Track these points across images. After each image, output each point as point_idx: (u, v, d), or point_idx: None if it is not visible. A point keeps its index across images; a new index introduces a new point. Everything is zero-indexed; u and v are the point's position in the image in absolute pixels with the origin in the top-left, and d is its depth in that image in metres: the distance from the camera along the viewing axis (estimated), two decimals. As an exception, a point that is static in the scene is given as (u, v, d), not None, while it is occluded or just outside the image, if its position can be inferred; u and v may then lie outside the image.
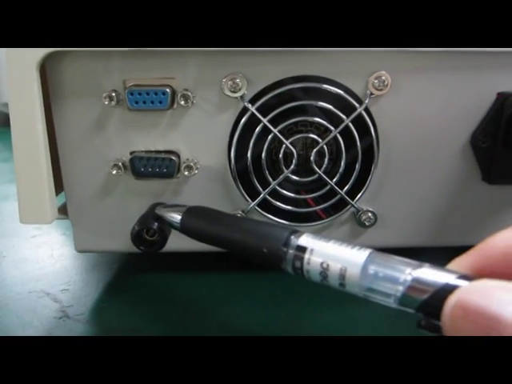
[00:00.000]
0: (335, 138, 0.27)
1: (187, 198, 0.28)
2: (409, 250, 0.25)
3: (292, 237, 0.20)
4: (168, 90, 0.26)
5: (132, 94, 0.26)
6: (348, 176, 0.28)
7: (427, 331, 0.17)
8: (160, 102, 0.26)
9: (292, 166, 0.28)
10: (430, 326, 0.16)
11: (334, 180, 0.28)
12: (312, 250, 0.19)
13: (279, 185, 0.28)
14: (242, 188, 0.28)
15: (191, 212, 0.24)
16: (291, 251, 0.19)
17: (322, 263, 0.18)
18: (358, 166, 0.28)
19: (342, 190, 0.28)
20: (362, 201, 0.29)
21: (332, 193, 0.28)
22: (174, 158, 0.27)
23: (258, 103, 0.26)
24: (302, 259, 0.19)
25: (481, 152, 0.28)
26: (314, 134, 0.28)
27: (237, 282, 0.31)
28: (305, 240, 0.19)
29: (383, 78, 0.26)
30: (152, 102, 0.26)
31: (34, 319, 0.27)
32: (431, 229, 0.30)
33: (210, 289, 0.30)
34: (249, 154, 0.27)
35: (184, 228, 0.24)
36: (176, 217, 0.24)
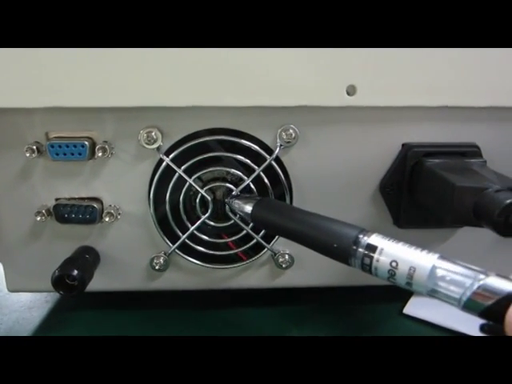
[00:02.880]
0: (249, 185, 0.29)
1: (112, 241, 0.30)
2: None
3: (361, 235, 0.21)
4: (86, 142, 0.27)
5: (53, 147, 0.27)
6: (264, 221, 0.30)
7: (490, 334, 0.18)
8: (79, 154, 0.28)
9: (208, 213, 0.29)
10: (493, 330, 0.18)
11: (251, 224, 0.29)
12: (382, 249, 0.20)
13: (200, 229, 0.30)
14: (162, 233, 0.30)
15: (262, 204, 0.26)
16: (361, 249, 0.21)
17: (391, 262, 0.20)
18: (271, 212, 0.29)
19: (258, 234, 0.30)
20: (278, 243, 0.30)
21: (250, 236, 0.30)
22: (95, 205, 0.29)
23: (173, 154, 0.28)
24: (371, 257, 0.20)
25: (389, 199, 0.30)
26: (231, 181, 0.30)
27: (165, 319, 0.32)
28: (375, 239, 0.21)
29: (290, 131, 0.28)
30: (72, 154, 0.28)
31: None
32: (347, 269, 0.31)
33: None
34: (167, 202, 0.29)
35: (255, 219, 0.26)
36: (247, 208, 0.26)
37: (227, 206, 0.29)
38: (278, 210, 0.25)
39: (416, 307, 0.32)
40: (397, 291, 0.32)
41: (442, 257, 0.19)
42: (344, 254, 0.21)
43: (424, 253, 0.19)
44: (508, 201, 0.22)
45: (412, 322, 0.32)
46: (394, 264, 0.20)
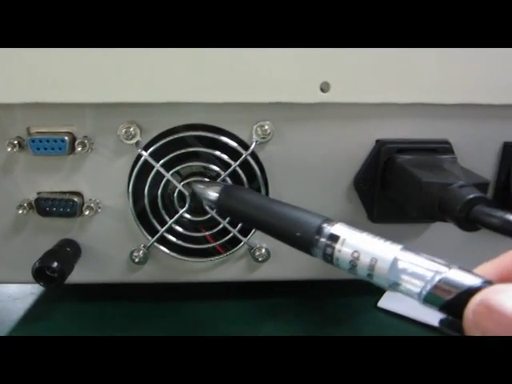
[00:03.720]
0: (225, 180, 0.29)
1: (92, 234, 0.31)
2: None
3: (325, 225, 0.21)
4: (66, 137, 0.28)
5: (34, 142, 0.28)
6: (241, 215, 0.30)
7: (448, 330, 0.17)
8: (60, 149, 0.28)
9: (186, 207, 0.30)
10: (452, 326, 0.17)
11: (228, 218, 0.30)
12: (344, 240, 0.20)
13: (179, 222, 0.31)
14: (141, 226, 0.30)
15: (228, 191, 0.26)
16: (323, 239, 0.20)
17: (353, 253, 0.19)
18: (248, 206, 0.30)
19: (235, 227, 0.30)
20: (255, 237, 0.31)
21: (228, 230, 0.31)
22: (76, 199, 0.29)
23: (152, 149, 0.29)
24: (333, 247, 0.20)
25: (363, 194, 0.30)
26: (210, 175, 0.30)
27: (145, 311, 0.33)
28: (338, 229, 0.20)
29: (266, 127, 0.29)
30: (52, 149, 0.28)
31: None
32: (321, 263, 0.32)
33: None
34: (146, 196, 0.30)
35: (220, 207, 0.25)
36: (212, 194, 0.26)
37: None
38: (244, 198, 0.25)
39: (390, 301, 0.33)
40: (373, 285, 0.33)
41: (406, 248, 0.18)
42: (306, 244, 0.21)
43: (387, 244, 0.19)
44: (469, 196, 0.23)
45: (386, 315, 0.32)
46: (355, 255, 0.19)
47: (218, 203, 0.26)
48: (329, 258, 0.20)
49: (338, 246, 0.20)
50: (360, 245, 0.19)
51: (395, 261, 0.18)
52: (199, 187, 0.27)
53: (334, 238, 0.20)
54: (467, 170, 0.27)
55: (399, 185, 0.28)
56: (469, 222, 0.23)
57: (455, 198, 0.23)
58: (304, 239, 0.21)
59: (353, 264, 0.19)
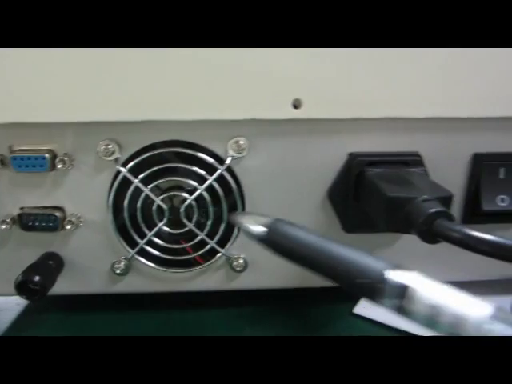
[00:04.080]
0: (202, 194, 0.30)
1: (75, 247, 0.32)
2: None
3: (392, 272, 0.18)
4: (47, 155, 0.29)
5: (15, 159, 0.29)
6: (219, 227, 0.31)
7: None
8: (41, 166, 0.29)
9: (164, 220, 0.31)
10: None
11: (206, 231, 0.31)
12: (417, 292, 0.17)
13: (160, 235, 0.31)
14: (121, 239, 0.31)
15: (278, 227, 0.23)
16: (391, 287, 0.18)
17: (431, 308, 0.17)
18: (225, 218, 0.31)
19: (213, 239, 0.31)
20: (233, 248, 0.32)
21: (206, 241, 0.32)
22: (57, 213, 0.30)
23: (130, 165, 0.30)
24: (403, 298, 0.18)
25: (337, 205, 0.31)
26: (189, 189, 0.31)
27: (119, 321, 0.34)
28: (410, 278, 0.18)
29: (241, 142, 0.30)
30: (34, 166, 0.29)
31: None
32: (298, 271, 0.33)
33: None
34: (125, 210, 0.31)
35: (269, 243, 0.23)
36: (259, 229, 0.23)
37: (182, 213, 0.31)
38: (295, 236, 0.22)
39: (366, 307, 0.34)
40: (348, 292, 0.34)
41: (497, 309, 0.16)
42: (369, 292, 0.19)
43: (470, 299, 0.17)
44: (431, 210, 0.24)
45: (362, 321, 0.33)
46: (434, 312, 0.17)
47: (267, 238, 0.23)
48: (399, 310, 0.18)
49: (409, 297, 0.17)
50: (438, 299, 0.17)
51: (485, 320, 0.16)
52: (241, 219, 0.25)
53: (404, 290, 0.18)
54: (434, 182, 0.28)
55: (369, 197, 0.29)
56: (431, 235, 0.24)
57: (418, 211, 0.24)
58: (366, 287, 0.19)
59: (430, 321, 0.17)
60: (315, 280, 0.33)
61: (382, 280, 0.18)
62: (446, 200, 0.26)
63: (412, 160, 0.30)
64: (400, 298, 0.18)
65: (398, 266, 0.19)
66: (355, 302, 0.34)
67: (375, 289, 0.18)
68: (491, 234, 0.22)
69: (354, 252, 0.20)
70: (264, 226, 0.23)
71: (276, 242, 0.23)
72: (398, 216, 0.25)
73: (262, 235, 0.23)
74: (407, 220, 0.25)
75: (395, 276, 0.18)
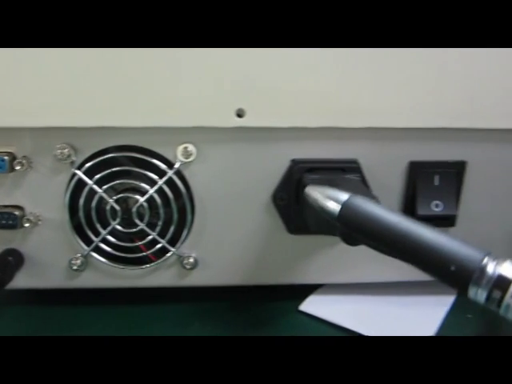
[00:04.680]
0: (153, 196, 0.32)
1: (34, 244, 0.34)
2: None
3: (490, 261, 0.17)
4: (6, 157, 0.31)
5: (-24, 161, 0.31)
6: (170, 227, 0.33)
7: None
8: (0, 167, 0.31)
9: (117, 220, 0.33)
10: None
11: (157, 230, 0.33)
12: None
13: (115, 234, 0.33)
14: (77, 237, 0.33)
15: (354, 203, 0.22)
16: (488, 278, 0.17)
17: None
18: (175, 219, 0.33)
19: (164, 238, 0.33)
20: (184, 247, 0.34)
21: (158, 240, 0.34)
22: (17, 212, 0.32)
23: (85, 167, 0.32)
24: (504, 291, 0.16)
25: (280, 209, 0.33)
26: (141, 192, 0.33)
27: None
28: (509, 269, 0.17)
29: (188, 148, 0.32)
30: (-7, 167, 0.31)
31: None
32: (247, 270, 0.35)
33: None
34: (81, 209, 0.33)
35: (343, 220, 0.22)
36: (333, 206, 0.22)
37: (134, 214, 0.33)
38: (374, 214, 0.21)
39: (313, 305, 0.36)
40: (297, 289, 0.36)
41: None
42: (462, 281, 0.17)
43: None
44: (352, 214, 0.26)
45: (308, 319, 0.35)
46: None
47: (340, 216, 0.22)
48: (494, 302, 0.17)
49: (508, 291, 0.16)
50: None
51: None
52: (316, 191, 0.24)
53: (505, 282, 0.16)
54: (363, 188, 0.30)
55: (305, 202, 0.31)
56: (352, 237, 0.26)
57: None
58: (460, 276, 0.17)
59: None
60: (263, 278, 0.36)
61: (481, 269, 0.17)
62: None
63: (349, 167, 0.32)
64: (498, 289, 0.16)
65: (496, 257, 0.17)
66: (302, 299, 0.36)
67: (471, 278, 0.17)
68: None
69: (446, 238, 0.19)
70: (338, 203, 0.22)
71: (350, 219, 0.22)
72: (326, 220, 0.27)
73: (335, 213, 0.22)
74: (332, 224, 0.27)
75: (494, 266, 0.17)
